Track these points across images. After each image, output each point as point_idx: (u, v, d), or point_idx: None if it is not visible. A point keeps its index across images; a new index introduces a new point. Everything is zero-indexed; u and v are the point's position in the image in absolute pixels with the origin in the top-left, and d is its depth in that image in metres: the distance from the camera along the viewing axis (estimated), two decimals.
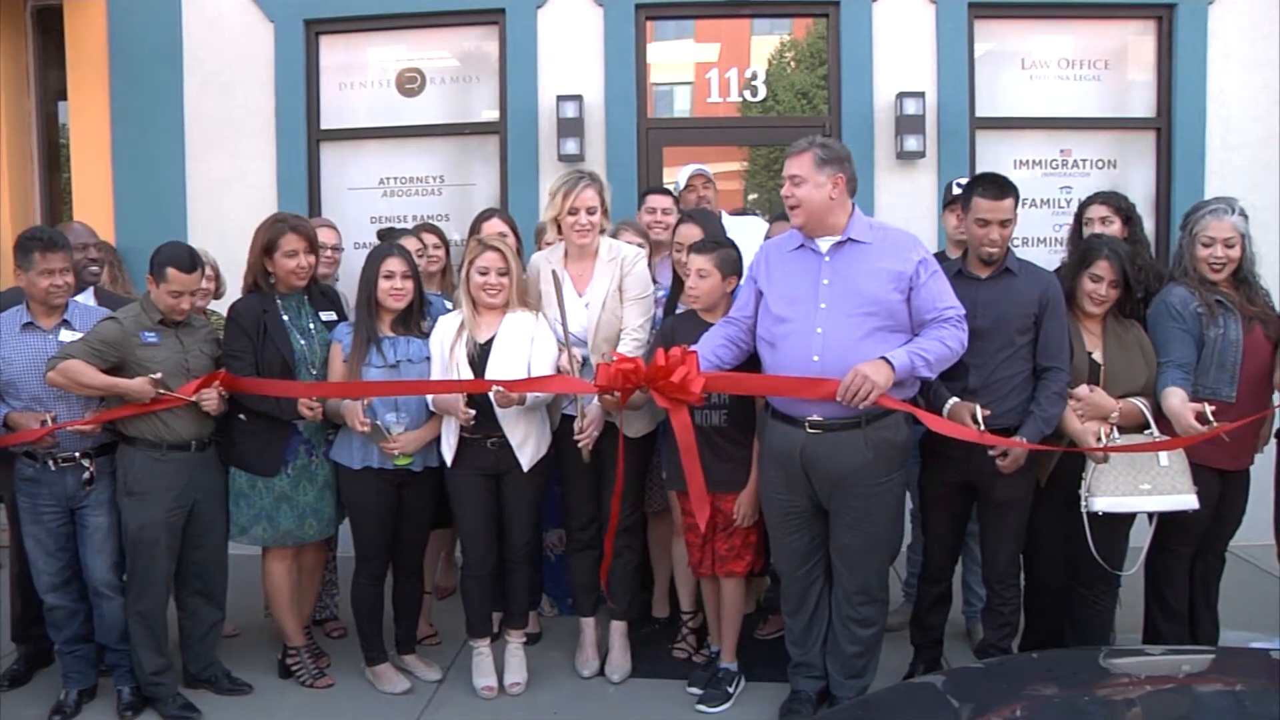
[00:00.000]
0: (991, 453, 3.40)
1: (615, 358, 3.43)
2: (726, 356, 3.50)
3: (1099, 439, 3.38)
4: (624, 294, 3.81)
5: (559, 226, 3.83)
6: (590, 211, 3.74)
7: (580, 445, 3.72)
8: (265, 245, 3.80)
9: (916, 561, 4.30)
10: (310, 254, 3.84)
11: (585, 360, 3.74)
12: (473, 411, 3.65)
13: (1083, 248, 3.62)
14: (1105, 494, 3.39)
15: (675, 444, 3.49)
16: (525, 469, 3.76)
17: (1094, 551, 3.41)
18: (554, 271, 3.77)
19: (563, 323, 3.66)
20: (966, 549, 4.15)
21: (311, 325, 3.90)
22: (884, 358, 3.16)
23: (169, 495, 3.65)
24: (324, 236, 4.40)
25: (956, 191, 4.21)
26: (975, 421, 3.32)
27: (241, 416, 3.78)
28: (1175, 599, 3.70)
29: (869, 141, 5.70)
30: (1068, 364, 3.45)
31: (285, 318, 3.83)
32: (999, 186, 3.50)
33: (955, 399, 3.44)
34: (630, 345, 3.75)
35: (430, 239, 4.50)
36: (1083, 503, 3.42)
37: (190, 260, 3.62)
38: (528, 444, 3.76)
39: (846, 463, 3.30)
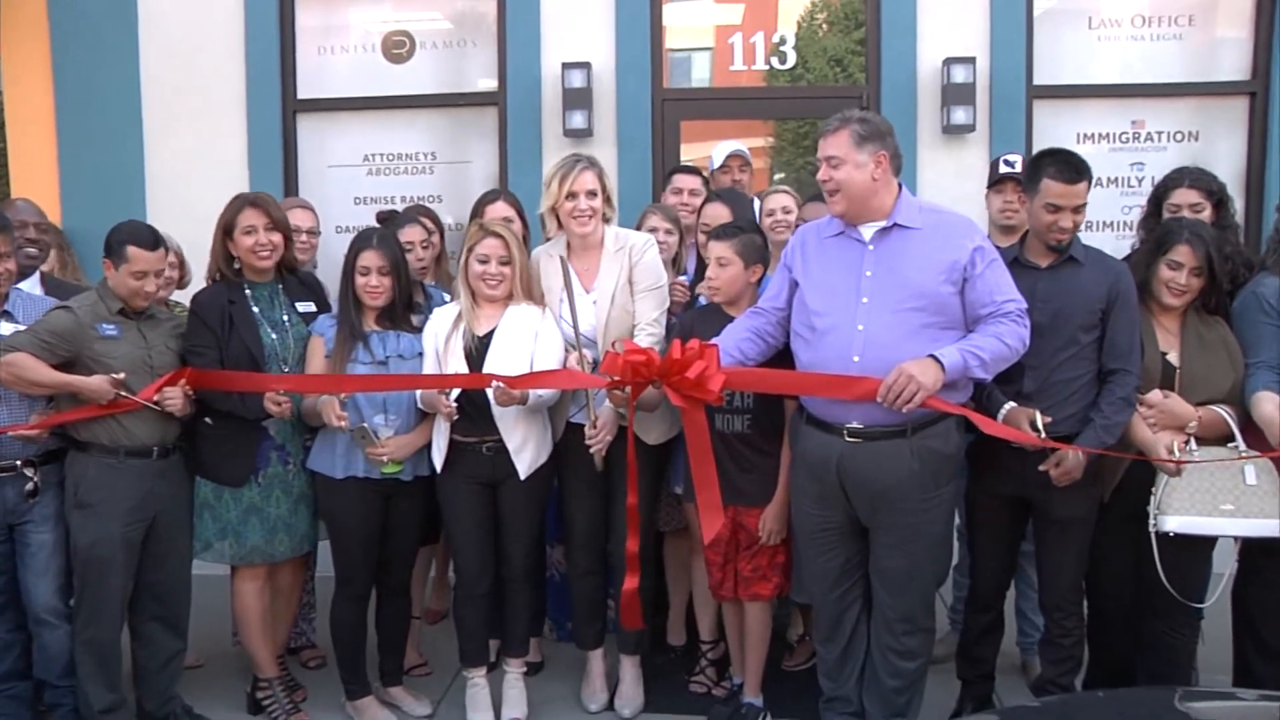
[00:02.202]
0: (1042, 466, 3.35)
1: (625, 347, 3.38)
2: (751, 351, 3.48)
3: (1172, 451, 3.31)
4: (634, 285, 3.81)
5: (557, 218, 3.82)
6: (590, 195, 3.73)
7: (593, 450, 3.69)
8: (224, 226, 3.80)
9: (964, 585, 4.23)
10: (273, 230, 3.81)
11: (595, 362, 3.72)
12: (454, 405, 3.62)
13: (1160, 231, 3.55)
14: (1178, 512, 3.31)
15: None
16: (523, 477, 3.75)
17: (1163, 578, 3.34)
18: (561, 258, 3.75)
19: (573, 322, 3.64)
20: (1021, 572, 4.11)
21: (285, 317, 3.88)
22: (933, 356, 3.12)
23: (126, 508, 3.60)
24: (299, 219, 4.39)
25: (1004, 170, 4.20)
26: (1035, 429, 3.27)
27: (207, 420, 3.75)
28: (1272, 635, 3.60)
29: (911, 114, 5.69)
30: (1138, 366, 3.38)
31: (255, 309, 3.81)
32: (1074, 168, 3.42)
33: (1012, 403, 3.39)
34: (645, 341, 3.71)
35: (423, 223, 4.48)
36: (1151, 521, 3.35)
37: (153, 237, 3.60)
38: (526, 449, 3.75)
39: (890, 475, 3.25)
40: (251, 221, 3.77)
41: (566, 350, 3.70)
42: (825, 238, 3.40)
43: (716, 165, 4.97)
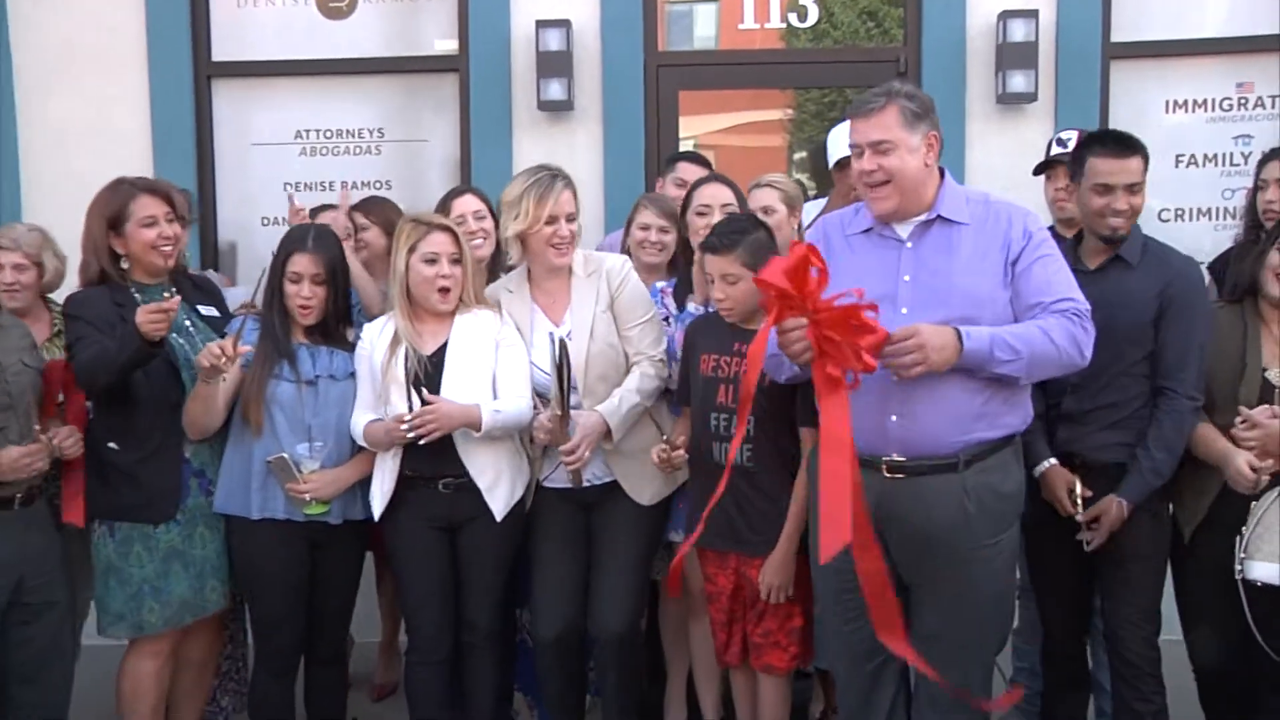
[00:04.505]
0: (1080, 535, 3.53)
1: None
2: None
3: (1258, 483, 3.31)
4: (621, 318, 3.90)
5: (522, 243, 3.86)
6: (570, 219, 3.82)
7: (569, 468, 3.73)
8: (111, 219, 3.80)
9: (1028, 654, 4.29)
10: (174, 221, 3.86)
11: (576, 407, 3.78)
12: (407, 429, 3.60)
13: None
14: (1269, 558, 3.30)
15: (697, 498, 3.68)
16: (499, 517, 3.79)
17: (1257, 634, 3.35)
18: (562, 341, 3.68)
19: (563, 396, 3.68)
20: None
21: (188, 321, 3.91)
22: (956, 329, 3.04)
23: None
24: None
25: (1055, 151, 4.27)
26: (1074, 500, 3.45)
27: (112, 445, 3.72)
28: None
29: (959, 80, 5.69)
30: (1192, 384, 3.46)
31: None
32: (1122, 142, 3.58)
33: (1053, 461, 3.53)
34: (651, 381, 3.85)
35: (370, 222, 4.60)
36: (1236, 565, 3.35)
37: None
38: (500, 486, 3.80)
39: (939, 519, 3.21)
40: (151, 211, 3.80)
41: (535, 403, 3.79)
42: (851, 235, 3.38)
43: (837, 156, 4.69)
